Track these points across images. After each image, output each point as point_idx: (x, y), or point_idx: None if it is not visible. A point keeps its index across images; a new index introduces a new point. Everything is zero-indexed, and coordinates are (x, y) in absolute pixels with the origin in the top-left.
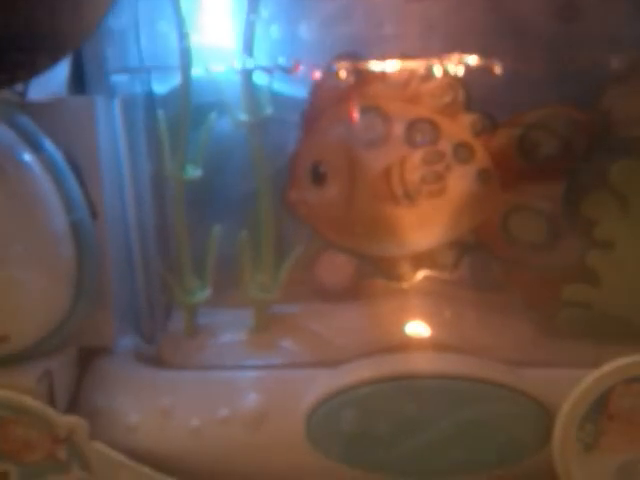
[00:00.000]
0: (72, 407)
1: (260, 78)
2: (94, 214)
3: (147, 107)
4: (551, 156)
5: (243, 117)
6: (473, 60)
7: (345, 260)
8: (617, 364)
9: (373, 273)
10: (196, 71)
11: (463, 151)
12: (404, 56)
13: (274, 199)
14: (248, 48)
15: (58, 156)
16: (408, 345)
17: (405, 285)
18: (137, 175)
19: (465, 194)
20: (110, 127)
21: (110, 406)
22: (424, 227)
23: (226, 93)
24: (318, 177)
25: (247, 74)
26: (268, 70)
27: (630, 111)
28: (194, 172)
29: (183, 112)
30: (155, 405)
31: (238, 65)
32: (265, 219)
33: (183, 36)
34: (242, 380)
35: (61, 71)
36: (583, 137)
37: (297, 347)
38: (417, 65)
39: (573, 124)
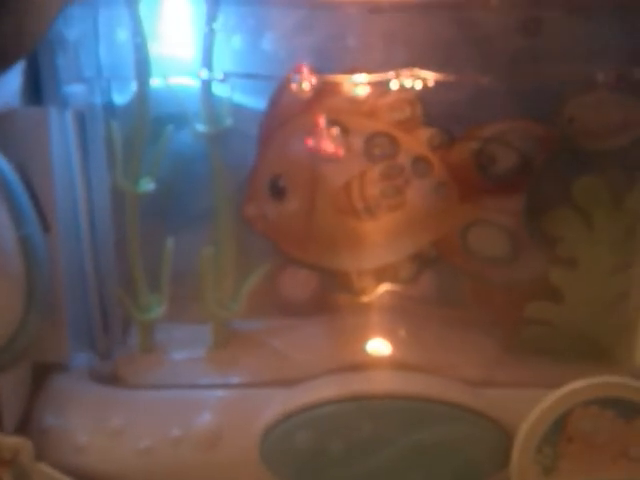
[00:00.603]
0: (23, 426)
1: (221, 90)
2: (46, 228)
3: (107, 118)
4: (509, 170)
5: (202, 128)
6: (434, 74)
7: (308, 275)
8: (575, 386)
9: (335, 288)
10: (156, 82)
11: (421, 165)
12: (365, 69)
13: (235, 213)
14: (207, 59)
15: (8, 169)
16: (369, 363)
17: (366, 299)
18: (92, 188)
19: (424, 208)
20: (65, 139)
21: (60, 425)
22: (384, 241)
23: (186, 104)
24: (277, 191)
25: (207, 85)
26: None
27: (593, 122)
28: (147, 186)
29: (139, 123)
30: (105, 425)
31: (198, 76)
32: (225, 234)
33: (140, 46)
34: (197, 399)
35: (14, 81)
36: (541, 151)
37: (256, 364)
38: (376, 78)
39: (530, 138)
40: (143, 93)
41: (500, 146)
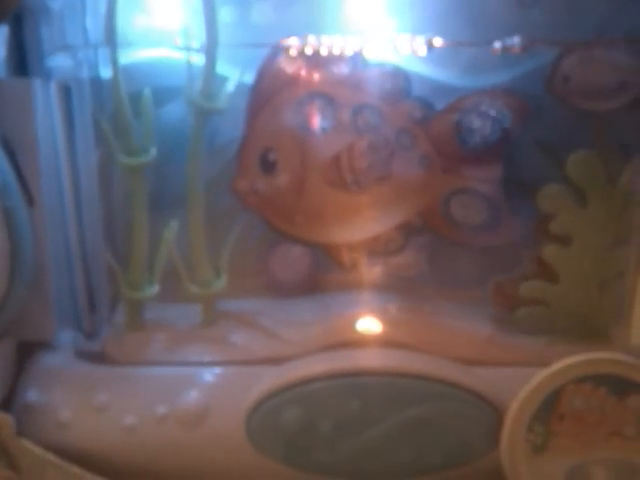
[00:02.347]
0: (6, 403)
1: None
2: (30, 202)
3: (94, 92)
4: (485, 140)
5: (195, 100)
6: (426, 45)
7: (299, 255)
8: (567, 362)
9: (326, 266)
10: (155, 53)
11: (405, 137)
12: (354, 40)
13: (222, 189)
14: (211, 31)
15: None
16: (360, 341)
17: (357, 274)
18: (78, 163)
19: (409, 179)
20: (51, 112)
21: (43, 402)
22: (373, 213)
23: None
24: (268, 165)
25: (210, 56)
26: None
27: (588, 81)
28: (145, 157)
29: (117, 94)
30: (90, 401)
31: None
32: (193, 210)
33: (110, 13)
34: (183, 377)
35: None
36: (515, 122)
37: (245, 342)
38: (364, 49)
39: (504, 109)
40: (115, 63)
41: (478, 117)
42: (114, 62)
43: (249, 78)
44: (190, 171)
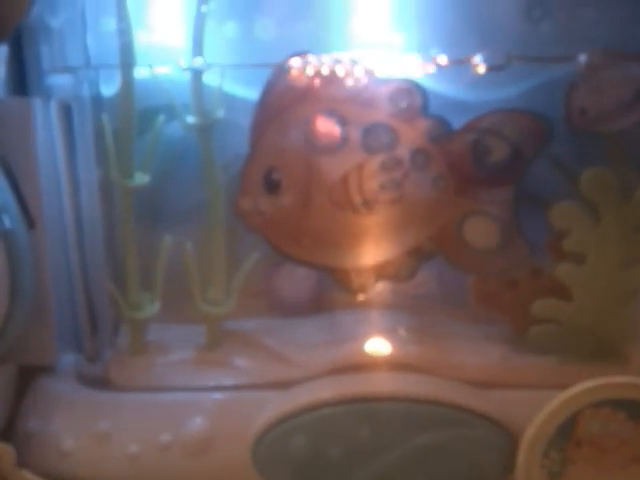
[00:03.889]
0: (7, 431)
1: (213, 79)
2: (31, 224)
3: (95, 110)
4: (501, 162)
5: (192, 119)
6: (435, 60)
7: (305, 273)
8: (585, 386)
9: (333, 287)
10: (146, 72)
11: (420, 158)
12: (363, 56)
13: (226, 207)
14: (197, 45)
15: None
16: (369, 364)
17: (365, 297)
18: (79, 183)
19: (422, 201)
20: (51, 131)
21: (45, 430)
22: (382, 236)
23: (176, 95)
24: (272, 184)
25: (197, 74)
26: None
27: (606, 102)
28: (141, 179)
29: (126, 114)
30: (92, 429)
31: (188, 64)
32: (214, 228)
33: (124, 31)
34: (188, 402)
35: None
36: (530, 143)
37: (250, 366)
38: (375, 65)
39: (521, 130)
40: (128, 82)
41: (494, 137)
42: (127, 82)
43: (255, 94)
44: (208, 189)
